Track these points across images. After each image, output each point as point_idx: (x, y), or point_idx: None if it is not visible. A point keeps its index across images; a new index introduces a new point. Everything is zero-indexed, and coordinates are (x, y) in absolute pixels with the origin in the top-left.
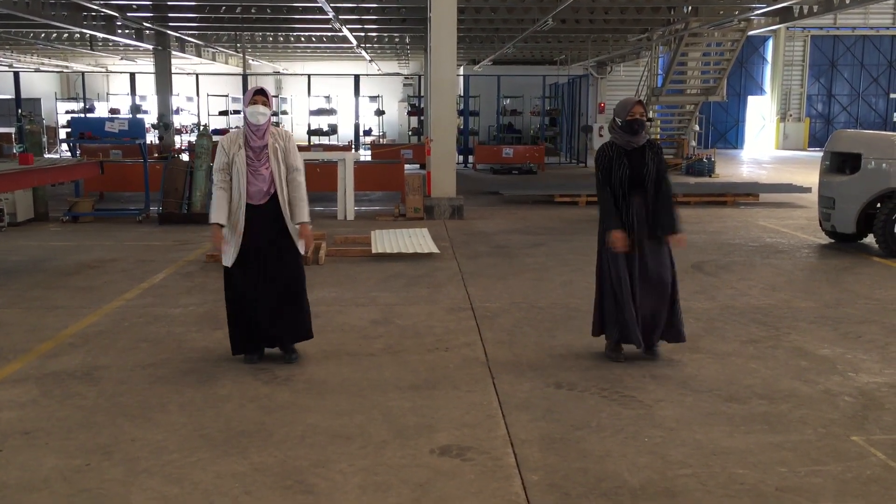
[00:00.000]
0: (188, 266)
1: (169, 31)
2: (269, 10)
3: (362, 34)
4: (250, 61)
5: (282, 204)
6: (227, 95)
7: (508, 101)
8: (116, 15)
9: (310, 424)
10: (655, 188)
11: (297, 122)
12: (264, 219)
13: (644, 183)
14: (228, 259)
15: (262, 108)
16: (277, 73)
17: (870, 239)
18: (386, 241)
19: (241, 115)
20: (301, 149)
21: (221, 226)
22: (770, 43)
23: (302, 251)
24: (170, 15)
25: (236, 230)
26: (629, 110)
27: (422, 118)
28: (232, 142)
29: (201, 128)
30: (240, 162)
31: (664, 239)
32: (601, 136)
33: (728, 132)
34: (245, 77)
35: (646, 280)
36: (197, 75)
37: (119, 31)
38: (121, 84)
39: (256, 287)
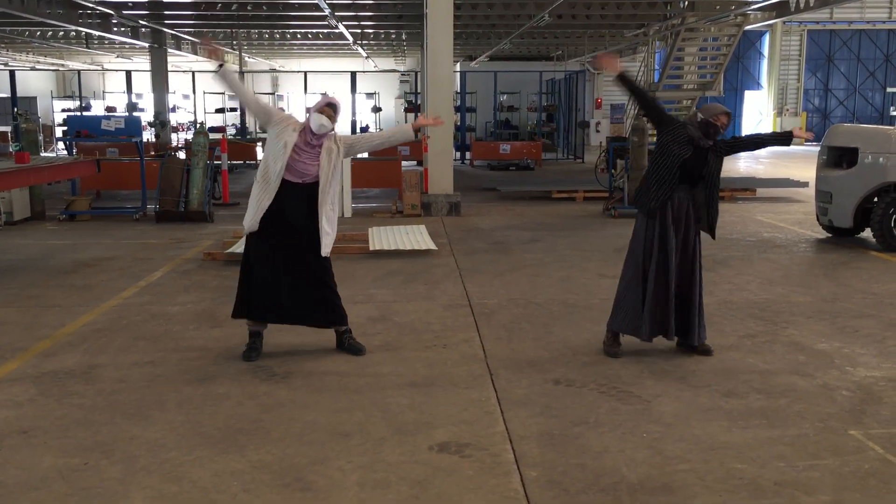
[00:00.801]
0: (186, 264)
1: (165, 29)
2: (265, 7)
3: (359, 31)
4: (247, 58)
5: (320, 195)
6: (223, 93)
7: (505, 97)
8: (112, 13)
9: (308, 422)
10: (713, 185)
11: None
12: (301, 197)
13: (699, 180)
14: (249, 222)
15: (325, 121)
16: (274, 70)
17: (867, 233)
18: (383, 237)
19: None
20: None
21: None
22: (767, 37)
23: (326, 252)
24: (165, 12)
25: (263, 197)
26: (716, 114)
27: (419, 115)
28: (295, 125)
29: (198, 126)
30: (289, 140)
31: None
32: (598, 131)
33: None
34: (241, 74)
35: (676, 270)
36: (193, 73)
37: (115, 28)
38: (117, 82)
39: (277, 261)
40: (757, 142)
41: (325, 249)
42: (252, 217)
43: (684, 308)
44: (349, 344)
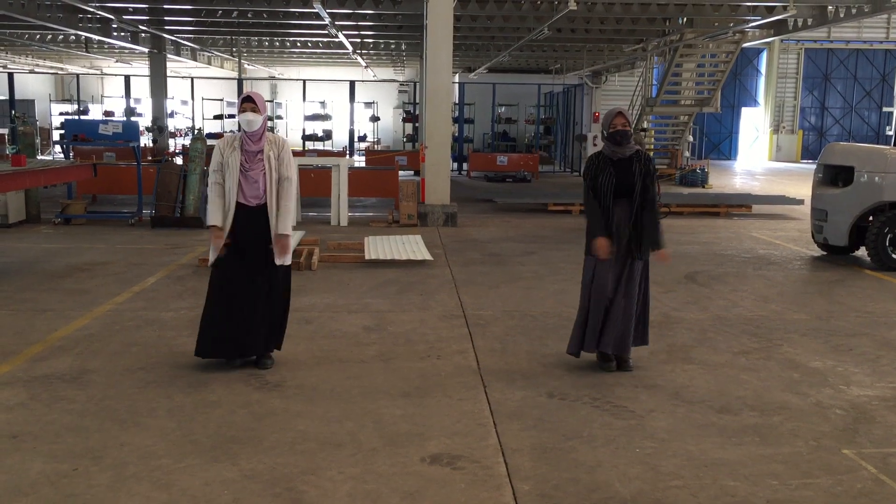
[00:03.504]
0: (180, 270)
1: (164, 35)
2: (265, 15)
3: (358, 40)
4: (246, 66)
5: (269, 211)
6: (221, 99)
7: (503, 109)
8: (112, 17)
9: (300, 431)
10: (641, 200)
11: (291, 127)
12: (255, 221)
13: (630, 192)
14: (213, 256)
15: (250, 115)
16: (273, 78)
17: (862, 252)
18: (379, 247)
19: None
20: (295, 154)
21: (220, 227)
22: (764, 55)
23: (278, 261)
24: (165, 18)
25: (224, 229)
26: (611, 122)
27: (417, 125)
28: (228, 143)
29: (195, 131)
30: (233, 163)
31: (646, 252)
32: (595, 145)
33: (722, 143)
34: (240, 81)
35: (625, 289)
36: (192, 79)
37: (114, 33)
38: (115, 86)
39: (239, 287)
40: (648, 207)
41: (279, 258)
42: (214, 251)
43: (623, 320)
44: (259, 357)
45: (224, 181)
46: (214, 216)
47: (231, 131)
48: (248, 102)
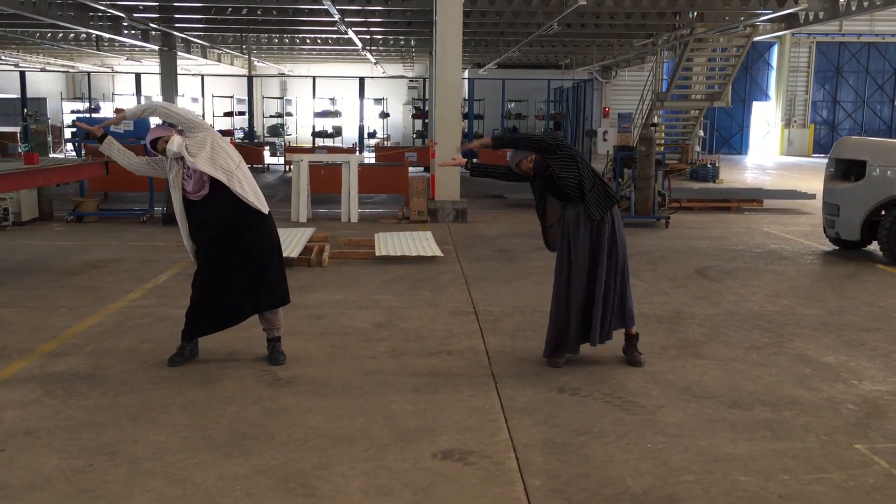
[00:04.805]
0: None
1: (175, 32)
2: (274, 12)
3: (368, 37)
4: (255, 63)
5: (229, 186)
6: (231, 97)
7: (513, 104)
8: (123, 15)
9: (312, 427)
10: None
11: (301, 124)
12: (209, 206)
13: (557, 187)
14: (189, 250)
15: (171, 146)
16: (282, 75)
17: (874, 246)
18: (389, 243)
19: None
20: (305, 150)
21: (103, 138)
22: (775, 49)
23: (264, 209)
24: (176, 16)
25: (182, 224)
26: (524, 170)
27: (426, 121)
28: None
29: None
30: (173, 180)
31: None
32: (605, 140)
33: (732, 138)
34: (250, 78)
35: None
36: (202, 76)
37: (125, 31)
38: (126, 84)
39: (221, 266)
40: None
41: (264, 208)
42: (189, 245)
43: (600, 310)
44: (272, 352)
45: (169, 191)
46: (111, 143)
47: (242, 129)
48: (158, 144)
